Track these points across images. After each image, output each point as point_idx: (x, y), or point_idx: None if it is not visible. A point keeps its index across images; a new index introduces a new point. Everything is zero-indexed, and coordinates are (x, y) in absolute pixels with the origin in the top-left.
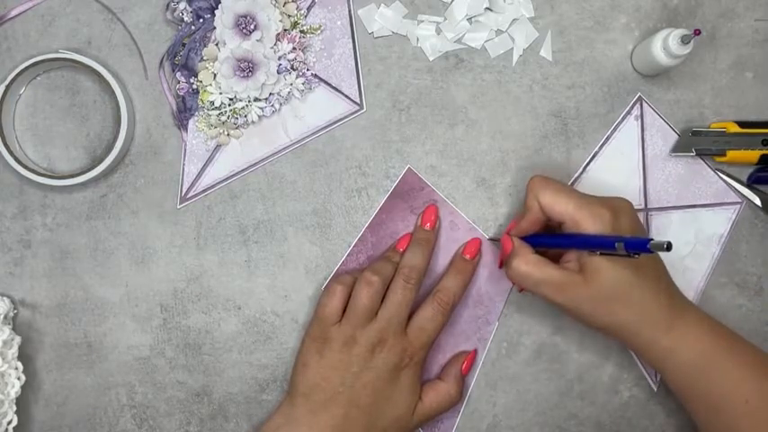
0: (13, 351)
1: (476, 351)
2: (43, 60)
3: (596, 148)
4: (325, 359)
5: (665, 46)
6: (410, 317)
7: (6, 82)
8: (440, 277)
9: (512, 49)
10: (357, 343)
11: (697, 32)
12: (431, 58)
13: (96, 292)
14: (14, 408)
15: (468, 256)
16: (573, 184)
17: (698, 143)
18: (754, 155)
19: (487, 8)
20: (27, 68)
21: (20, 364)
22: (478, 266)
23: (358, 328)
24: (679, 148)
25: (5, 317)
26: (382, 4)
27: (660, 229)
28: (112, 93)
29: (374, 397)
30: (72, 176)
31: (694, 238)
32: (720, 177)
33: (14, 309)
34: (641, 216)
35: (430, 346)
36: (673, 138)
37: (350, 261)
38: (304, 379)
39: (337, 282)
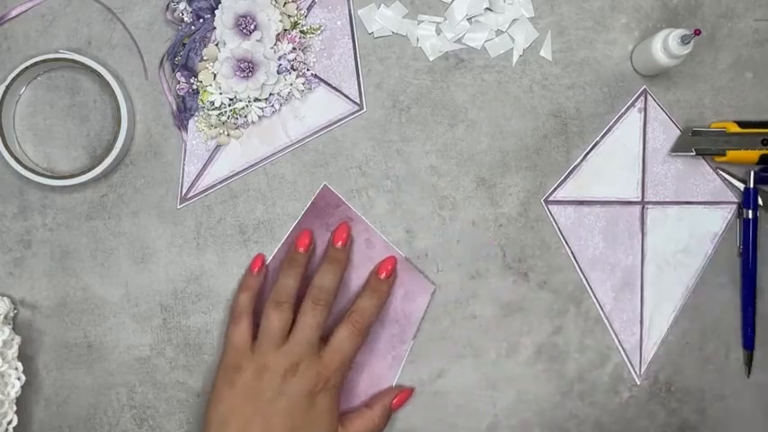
0: (13, 351)
1: (412, 390)
2: (43, 60)
3: (597, 138)
4: (237, 388)
5: (665, 46)
6: (326, 339)
7: (6, 82)
8: (355, 297)
9: (512, 49)
10: (268, 369)
11: (697, 32)
12: (431, 58)
13: (96, 292)
14: (14, 408)
15: (383, 276)
16: (572, 173)
17: (698, 143)
18: (754, 155)
19: (487, 8)
20: (27, 68)
21: (20, 364)
22: (394, 285)
23: (269, 353)
24: (679, 147)
25: (5, 317)
26: (382, 4)
27: (656, 222)
28: (112, 93)
29: (290, 425)
30: (72, 176)
31: (689, 234)
32: (721, 176)
33: (14, 309)
34: (637, 209)
35: (347, 370)
36: (675, 133)
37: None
38: (216, 411)
39: (240, 309)
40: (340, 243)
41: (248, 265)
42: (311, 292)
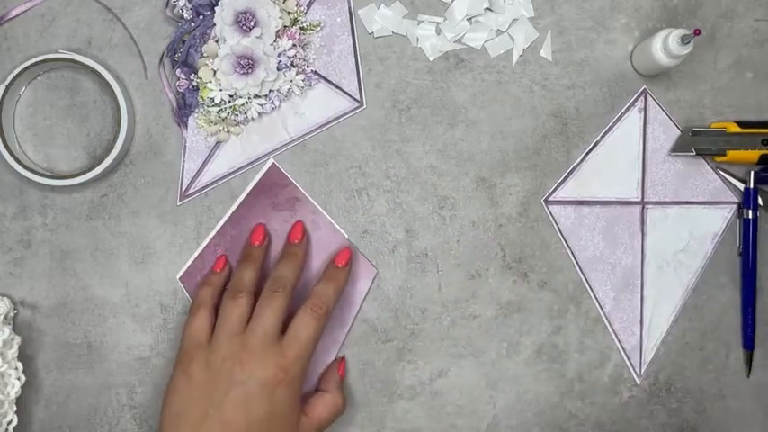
0: (13, 351)
1: (344, 357)
2: (43, 60)
3: (597, 138)
4: (193, 380)
5: (665, 46)
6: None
7: (6, 82)
8: (311, 285)
9: (512, 49)
10: (225, 359)
11: (697, 32)
12: (431, 58)
13: (96, 292)
14: (14, 408)
15: (340, 264)
16: (572, 173)
17: (698, 143)
18: (754, 155)
19: (487, 8)
20: (27, 68)
21: (20, 364)
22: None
23: (226, 343)
24: (679, 147)
25: (5, 317)
26: (382, 4)
27: (656, 223)
28: (112, 93)
29: (247, 417)
30: (72, 176)
31: (689, 234)
32: (721, 176)
33: (14, 309)
34: (637, 209)
35: (307, 360)
36: (675, 133)
37: (207, 253)
38: (171, 405)
39: (199, 301)
40: (296, 240)
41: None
42: (268, 283)
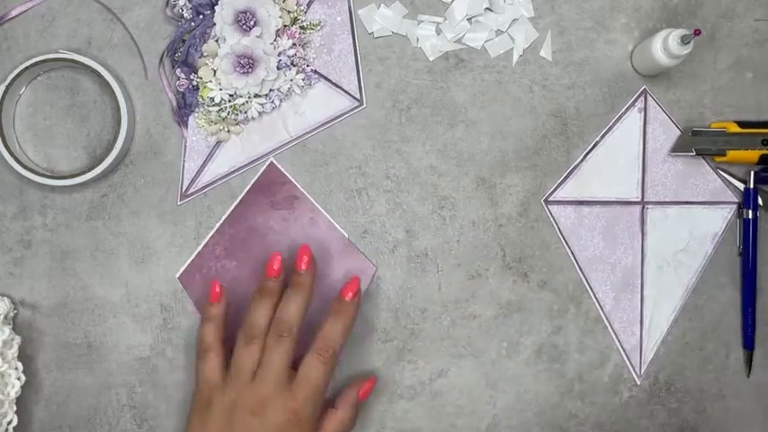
0: (13, 351)
1: (375, 378)
2: (43, 60)
3: (597, 138)
4: (208, 429)
5: (665, 46)
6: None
7: (6, 82)
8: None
9: (512, 49)
10: (237, 406)
11: (697, 32)
12: (431, 58)
13: (96, 292)
14: (14, 408)
15: (347, 297)
16: (572, 173)
17: (698, 143)
18: (754, 155)
19: (487, 8)
20: (27, 68)
21: (20, 364)
22: (336, 268)
23: (239, 390)
24: (679, 147)
25: (5, 317)
26: (382, 4)
27: (656, 223)
28: (112, 93)
29: None
30: (72, 176)
31: (689, 234)
32: (721, 176)
33: (14, 309)
34: (637, 209)
35: (319, 400)
36: (675, 133)
37: (205, 253)
38: None
39: (206, 346)
40: (303, 267)
41: (208, 294)
42: (275, 325)
